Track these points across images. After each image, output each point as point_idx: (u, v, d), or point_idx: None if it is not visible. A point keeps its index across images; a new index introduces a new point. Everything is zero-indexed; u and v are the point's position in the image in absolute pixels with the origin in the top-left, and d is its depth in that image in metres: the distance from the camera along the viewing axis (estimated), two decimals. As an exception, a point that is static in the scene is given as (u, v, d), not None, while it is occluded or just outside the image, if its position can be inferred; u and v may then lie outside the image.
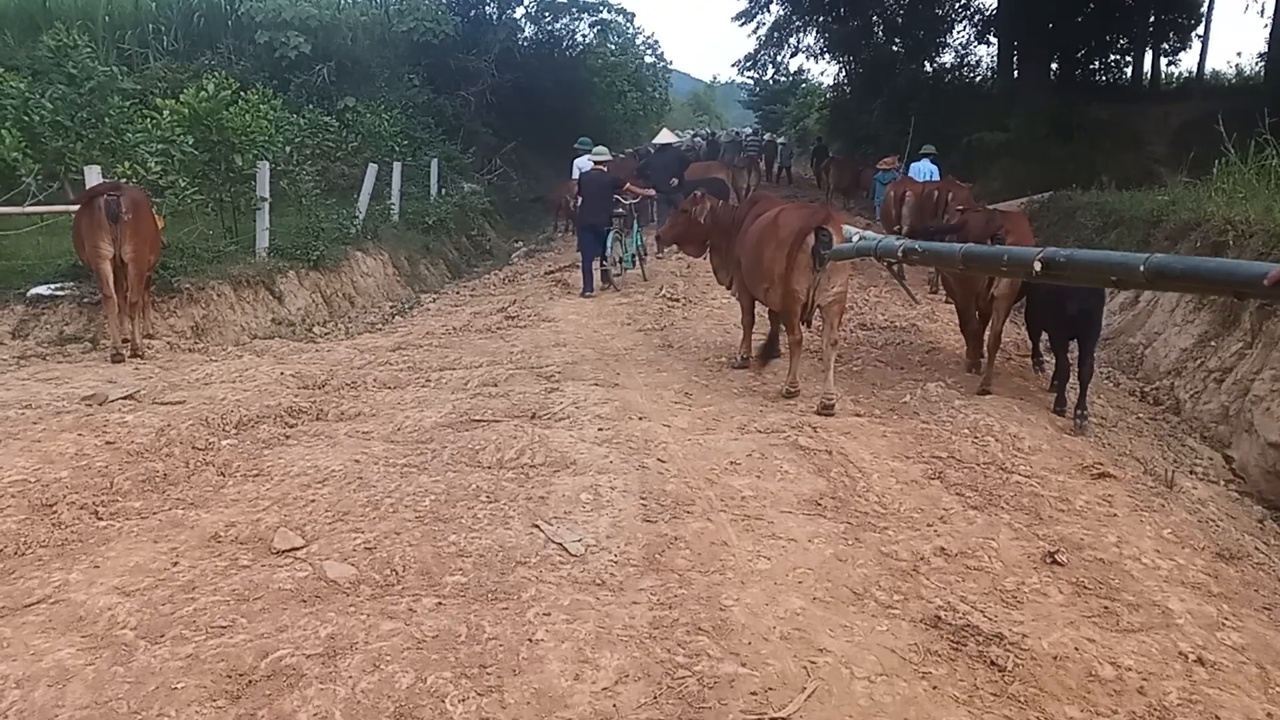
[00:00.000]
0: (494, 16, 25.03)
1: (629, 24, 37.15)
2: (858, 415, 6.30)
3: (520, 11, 26.59)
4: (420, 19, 21.71)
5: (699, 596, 3.65)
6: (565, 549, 4.10)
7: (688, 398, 6.65)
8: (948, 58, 32.20)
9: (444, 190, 19.20)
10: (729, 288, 8.50)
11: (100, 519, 4.51)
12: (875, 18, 31.77)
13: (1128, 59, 29.39)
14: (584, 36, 30.09)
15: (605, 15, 30.40)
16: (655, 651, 3.25)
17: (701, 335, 8.50)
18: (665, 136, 17.99)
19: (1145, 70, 29.15)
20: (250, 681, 3.06)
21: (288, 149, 13.95)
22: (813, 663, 3.21)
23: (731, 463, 5.18)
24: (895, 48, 31.58)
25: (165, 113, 11.59)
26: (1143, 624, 3.59)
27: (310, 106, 18.13)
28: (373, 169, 15.32)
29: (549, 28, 28.20)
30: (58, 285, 9.77)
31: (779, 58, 35.84)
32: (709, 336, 8.99)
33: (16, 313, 9.43)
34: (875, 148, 24.14)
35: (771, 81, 43.62)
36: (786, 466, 5.14)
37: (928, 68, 31.16)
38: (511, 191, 22.73)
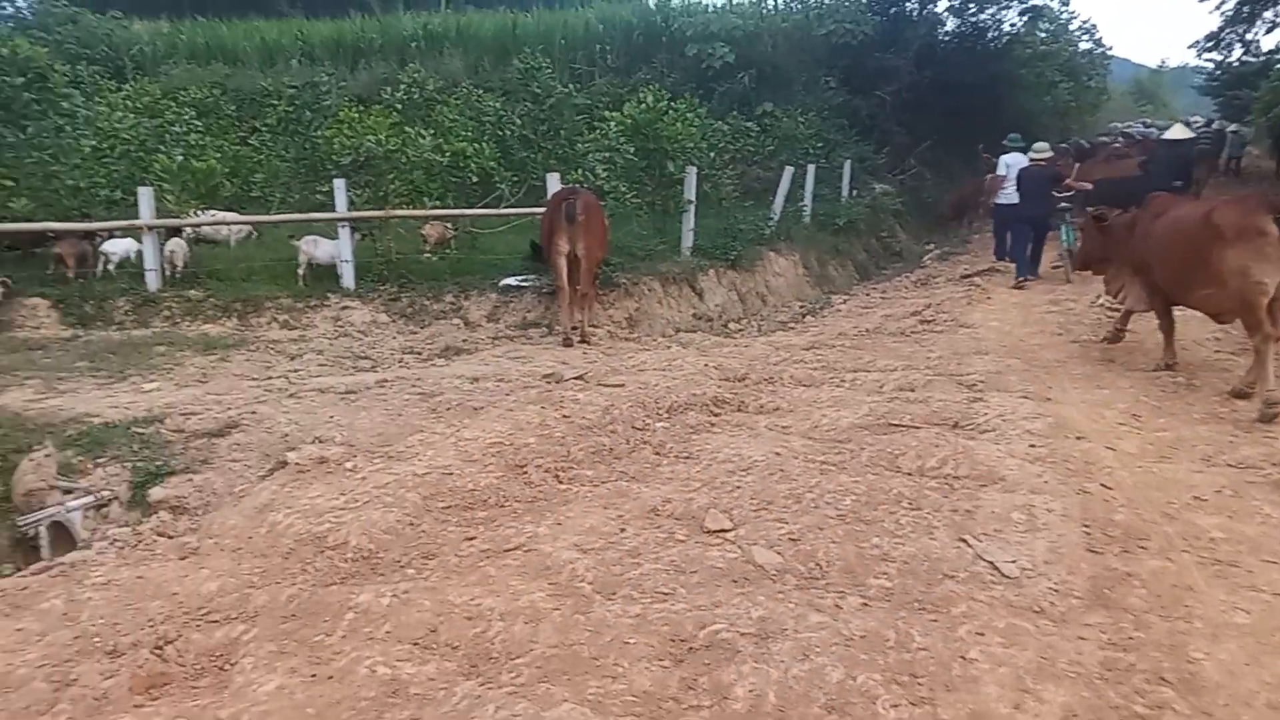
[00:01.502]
0: (915, 12, 24.37)
1: (1063, 8, 34.12)
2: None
3: (943, 5, 25.61)
4: (840, 20, 21.81)
5: (1159, 643, 3.26)
6: (997, 568, 3.89)
7: (1136, 419, 5.97)
8: None
9: (855, 191, 19.14)
10: (1115, 296, 8.33)
11: (561, 482, 5.14)
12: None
13: None
14: (1011, 26, 28.17)
15: (1036, 1, 28.22)
16: (1109, 695, 2.96)
17: (1152, 350, 7.58)
18: (1178, 131, 15.76)
19: None
20: (691, 648, 3.29)
21: (711, 154, 14.78)
22: (1312, 743, 2.73)
23: (1195, 498, 4.56)
24: None
25: (612, 124, 12.82)
26: None
27: (733, 113, 19.03)
28: (788, 171, 15.71)
29: (973, 19, 26.83)
30: (522, 277, 11.29)
31: (1248, 34, 30.66)
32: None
33: (491, 299, 11.07)
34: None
35: (1238, 63, 37.51)
36: (1268, 509, 4.40)
37: None
38: (924, 191, 22.03)
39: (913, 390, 6.87)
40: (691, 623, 3.44)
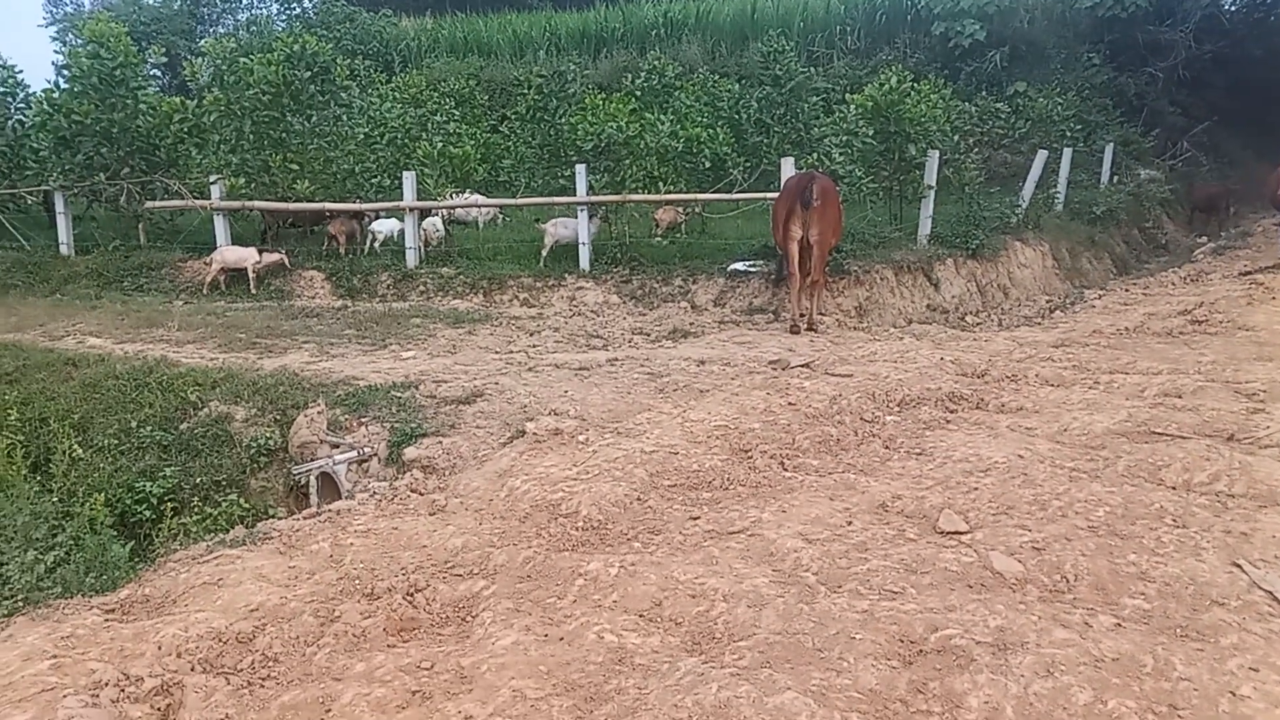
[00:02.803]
0: (1197, -20, 21.99)
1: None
2: None
3: (1230, -28, 22.97)
4: (1109, -8, 20.06)
5: None
6: (1277, 599, 3.46)
7: None
8: None
9: (1116, 178, 17.60)
10: None
11: (785, 469, 5.09)
12: None
13: None
14: (1312, -8, 24.79)
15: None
16: None
17: None
18: None
19: None
20: (921, 651, 3.15)
21: (955, 137, 14.07)
22: None
23: None
24: None
25: (852, 106, 12.49)
26: None
27: (981, 94, 18.03)
28: (1041, 155, 14.69)
29: (1265, -13, 23.86)
30: (750, 262, 11.28)
31: None
32: None
33: (718, 284, 11.14)
34: None
35: None
36: None
37: None
38: (1198, 179, 19.88)
39: (1179, 397, 6.23)
40: (922, 625, 3.30)
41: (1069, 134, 17.06)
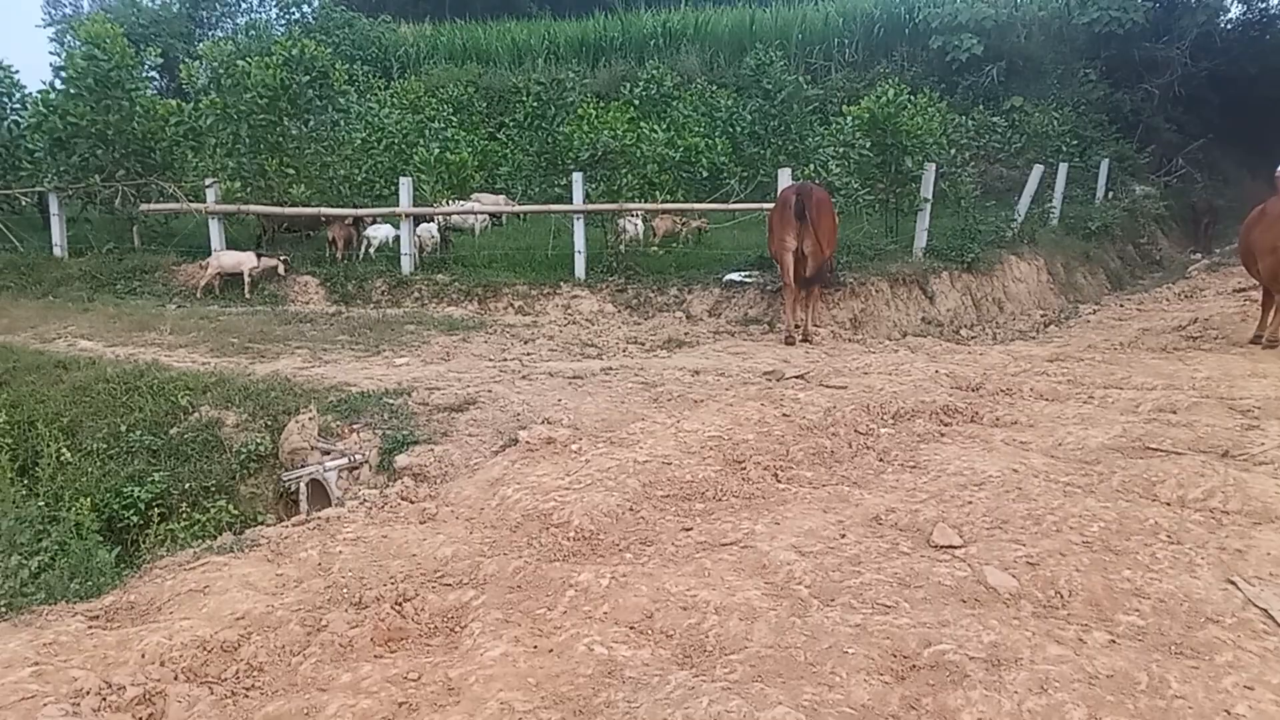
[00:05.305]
0: (1193, -1, 22.11)
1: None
2: None
3: (1226, -10, 23.04)
4: (1105, 8, 20.13)
5: None
6: (1272, 617, 3.43)
7: None
8: None
9: (1112, 193, 17.66)
10: None
11: (779, 481, 5.06)
12: None
13: None
14: (1309, 11, 24.90)
15: (1342, -18, 24.74)
16: None
17: None
18: None
19: None
20: (914, 666, 3.12)
21: (952, 150, 14.10)
22: None
23: None
24: None
25: (848, 118, 12.51)
26: None
27: (978, 108, 18.10)
28: (1037, 170, 14.73)
29: (1260, 5, 23.94)
30: (746, 273, 11.28)
31: None
32: None
33: (713, 294, 11.13)
34: None
35: None
36: None
37: None
38: (1193, 195, 19.95)
39: (1174, 412, 6.22)
40: (915, 639, 3.26)
41: (1065, 149, 17.12)
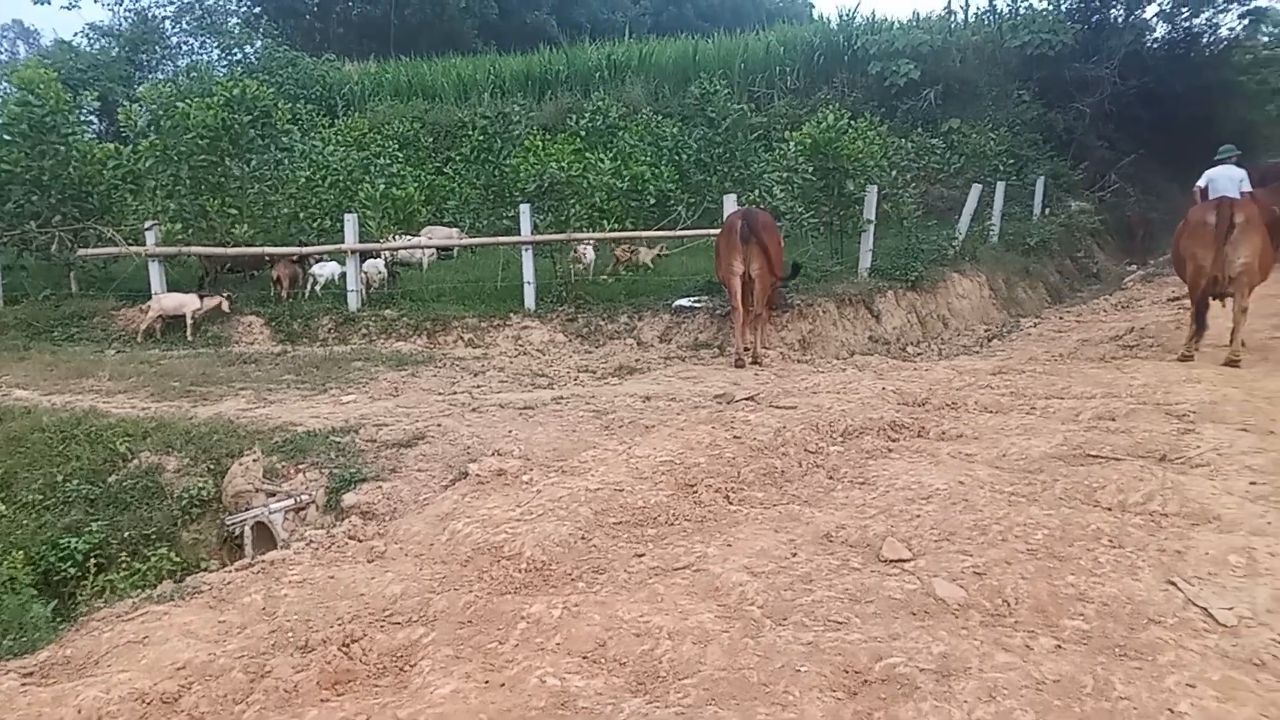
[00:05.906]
0: (1119, 19, 22.85)
1: (1292, 8, 30.96)
2: None
3: (1152, 10, 23.85)
4: (1035, 31, 20.76)
5: None
6: (1211, 615, 3.50)
7: (1381, 457, 5.27)
8: None
9: (1048, 209, 18.13)
10: None
11: (731, 503, 5.07)
12: None
13: None
14: (1230, 30, 25.87)
15: (1260, 3, 25.77)
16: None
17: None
18: None
19: None
20: (866, 681, 3.13)
21: (893, 173, 14.38)
22: None
23: None
24: None
25: (791, 144, 12.70)
26: None
27: (917, 131, 18.48)
28: (976, 189, 15.07)
29: (1185, 25, 24.85)
30: (695, 298, 11.34)
31: None
32: None
33: (664, 320, 11.18)
34: None
35: None
36: None
37: None
38: (1126, 209, 20.54)
39: (1113, 420, 6.36)
40: (867, 654, 3.28)
41: (1002, 168, 17.54)
